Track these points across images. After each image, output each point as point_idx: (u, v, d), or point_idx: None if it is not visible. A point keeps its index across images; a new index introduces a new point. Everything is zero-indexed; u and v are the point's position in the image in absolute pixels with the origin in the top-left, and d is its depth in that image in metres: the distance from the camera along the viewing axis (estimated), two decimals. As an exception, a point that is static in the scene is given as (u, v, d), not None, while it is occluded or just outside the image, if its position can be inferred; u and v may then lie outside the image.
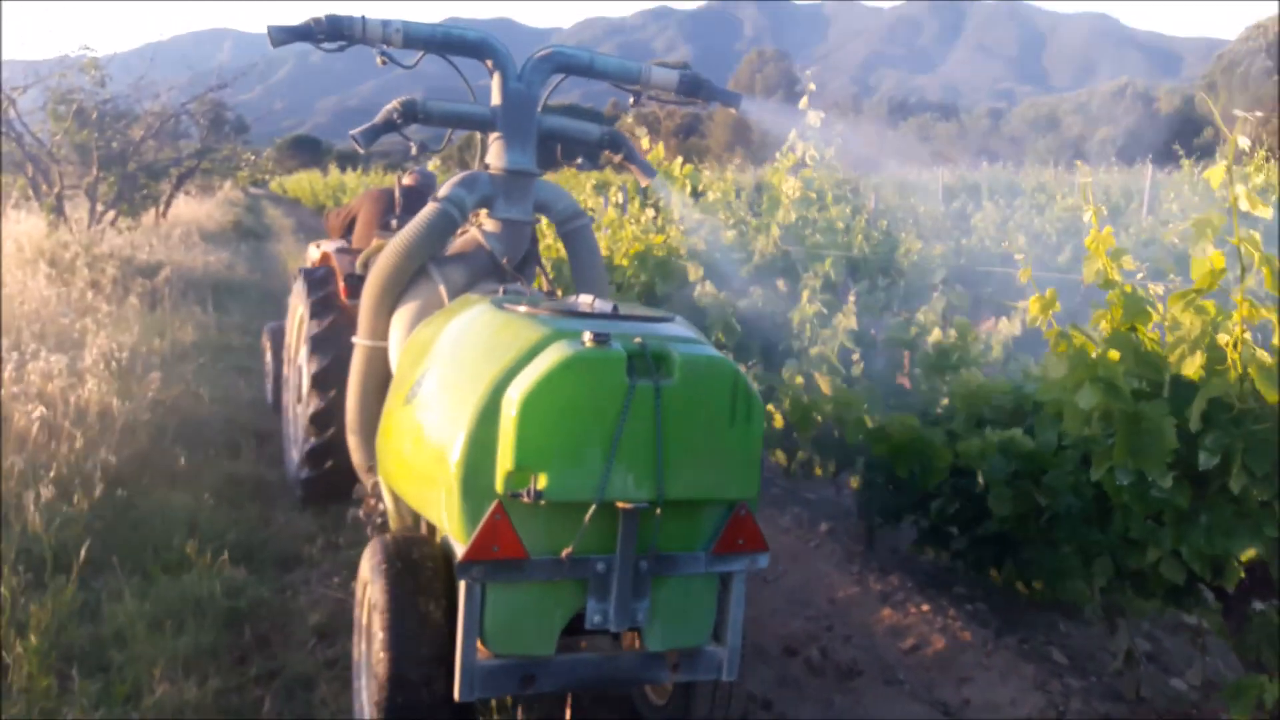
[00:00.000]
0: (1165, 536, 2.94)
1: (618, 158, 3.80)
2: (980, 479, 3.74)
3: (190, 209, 24.26)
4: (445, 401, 2.63)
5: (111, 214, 13.90)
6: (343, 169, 39.96)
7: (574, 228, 3.71)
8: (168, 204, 21.24)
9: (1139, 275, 3.25)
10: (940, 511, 4.17)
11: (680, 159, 6.98)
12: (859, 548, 4.94)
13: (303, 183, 41.84)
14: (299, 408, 5.04)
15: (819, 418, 4.58)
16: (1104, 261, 3.07)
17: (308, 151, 48.48)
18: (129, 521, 4.46)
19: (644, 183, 3.89)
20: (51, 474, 4.47)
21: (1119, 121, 69.10)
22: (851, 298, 4.83)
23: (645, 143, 6.85)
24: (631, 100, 3.80)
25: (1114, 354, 2.86)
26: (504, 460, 2.36)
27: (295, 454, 5.01)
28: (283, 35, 3.22)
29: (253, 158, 19.70)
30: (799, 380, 4.80)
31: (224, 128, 20.10)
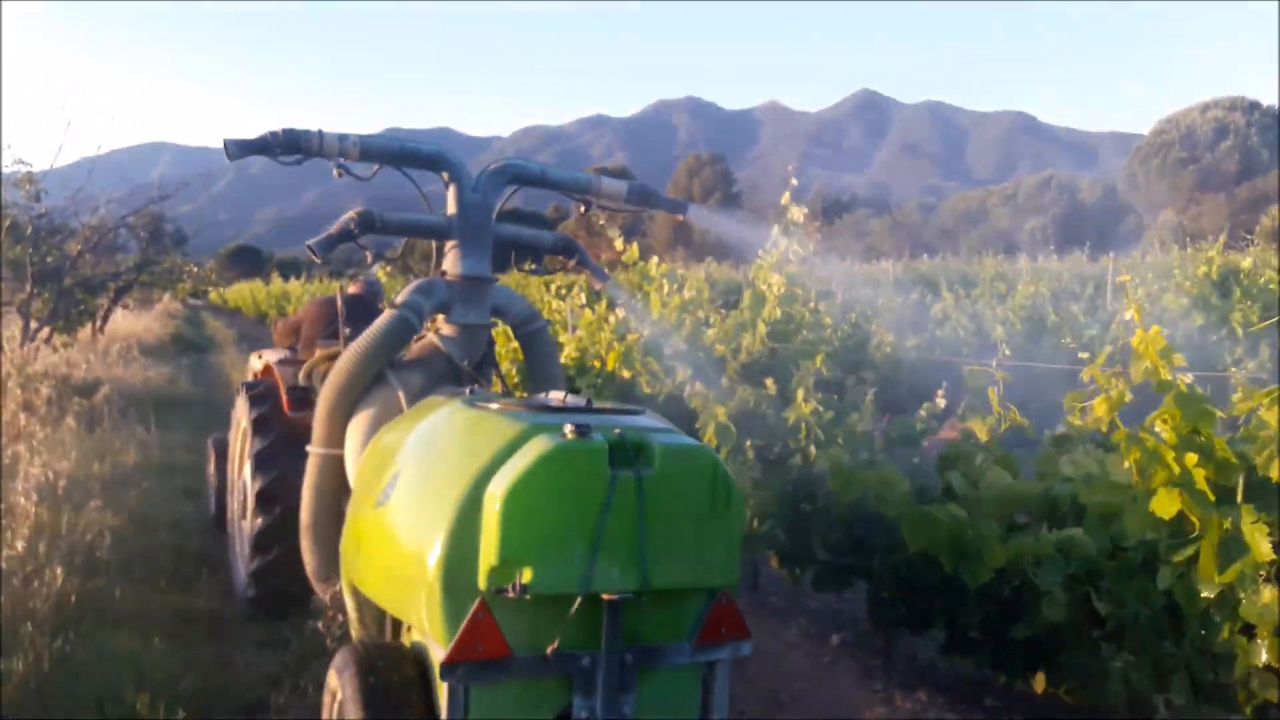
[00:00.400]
0: (1256, 650, 2.65)
1: (570, 263, 3.91)
2: (1023, 580, 3.44)
3: (128, 323, 23.63)
4: (422, 501, 2.60)
5: (46, 331, 13.34)
6: (285, 277, 39.49)
7: (531, 330, 3.78)
8: (105, 318, 20.63)
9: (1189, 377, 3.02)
10: (970, 617, 3.85)
11: (655, 258, 6.76)
12: (876, 661, 4.58)
13: (244, 292, 41.28)
14: (244, 524, 4.91)
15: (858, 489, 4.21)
16: (1154, 360, 2.85)
17: (248, 261, 48.03)
18: (68, 673, 3.96)
19: (597, 286, 3.98)
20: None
21: (1046, 211, 71.28)
22: (869, 397, 4.57)
23: (619, 244, 6.65)
24: (581, 209, 3.88)
25: (1191, 457, 2.61)
26: (487, 555, 2.34)
27: (242, 571, 4.86)
28: (239, 149, 3.23)
29: (195, 269, 19.23)
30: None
31: (163, 240, 19.67)
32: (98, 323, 19.99)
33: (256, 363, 5.55)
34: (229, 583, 5.34)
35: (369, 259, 3.73)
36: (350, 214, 3.44)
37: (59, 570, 4.75)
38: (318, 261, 3.65)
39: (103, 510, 5.80)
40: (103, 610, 4.64)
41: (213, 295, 45.87)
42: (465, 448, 2.56)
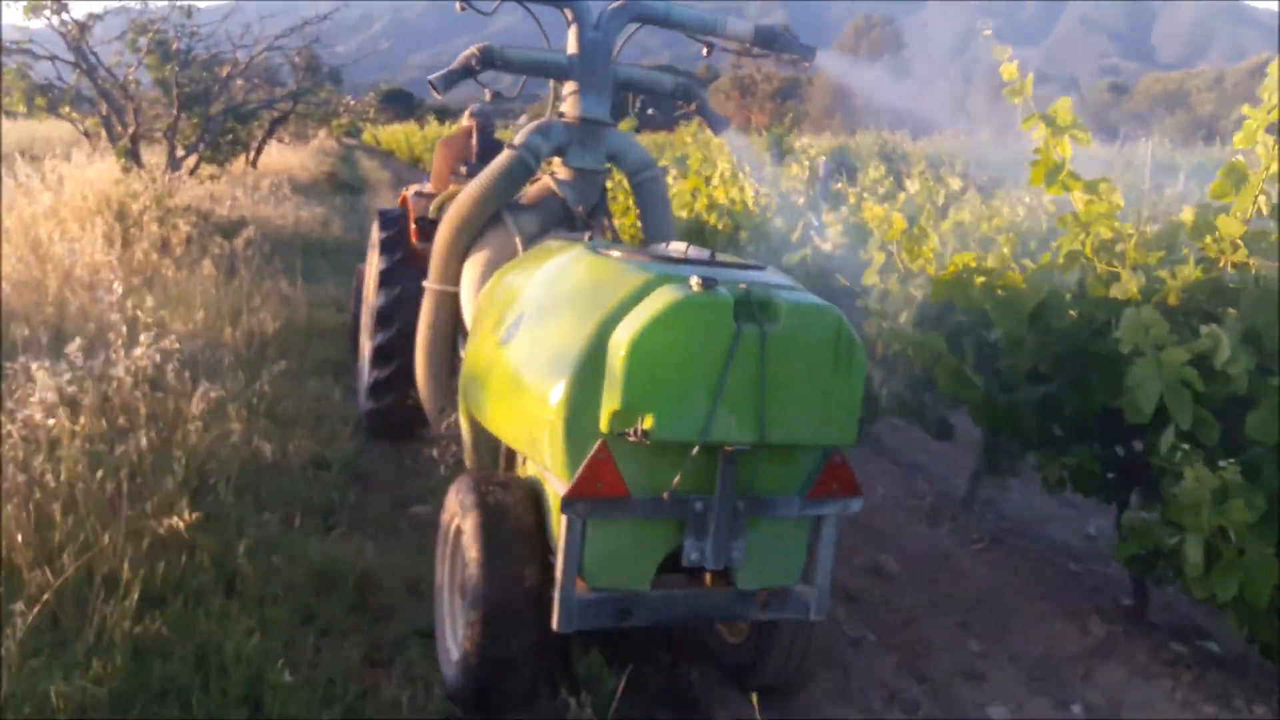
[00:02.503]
0: None
1: (691, 107, 3.87)
2: None
3: (282, 157, 22.73)
4: (547, 343, 2.64)
5: (192, 160, 12.21)
6: (441, 121, 38.24)
7: (645, 178, 3.74)
8: (258, 151, 19.70)
9: None
10: None
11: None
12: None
13: (397, 135, 40.29)
14: (367, 341, 4.99)
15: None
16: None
17: (401, 104, 47.07)
18: (157, 684, 2.59)
19: (716, 135, 3.96)
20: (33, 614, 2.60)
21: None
22: None
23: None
24: (705, 50, 3.83)
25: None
26: (610, 400, 2.38)
27: (364, 385, 4.97)
28: None
29: (351, 102, 17.97)
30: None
31: (320, 74, 18.39)
32: (250, 155, 19.06)
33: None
34: (382, 512, 4.18)
35: (487, 96, 3.74)
36: (472, 49, 3.45)
37: (150, 508, 3.37)
38: (438, 96, 3.60)
39: (222, 410, 4.41)
40: (207, 571, 3.25)
41: (366, 135, 45.16)
42: (590, 294, 2.60)
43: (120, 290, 5.06)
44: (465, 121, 5.15)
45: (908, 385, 4.69)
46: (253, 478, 4.20)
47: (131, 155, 10.98)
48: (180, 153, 11.86)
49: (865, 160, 13.42)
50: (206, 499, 3.80)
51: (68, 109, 12.54)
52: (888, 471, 5.62)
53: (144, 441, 3.74)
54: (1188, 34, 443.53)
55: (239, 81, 13.76)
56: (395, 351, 4.60)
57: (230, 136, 13.54)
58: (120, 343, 4.23)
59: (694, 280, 2.41)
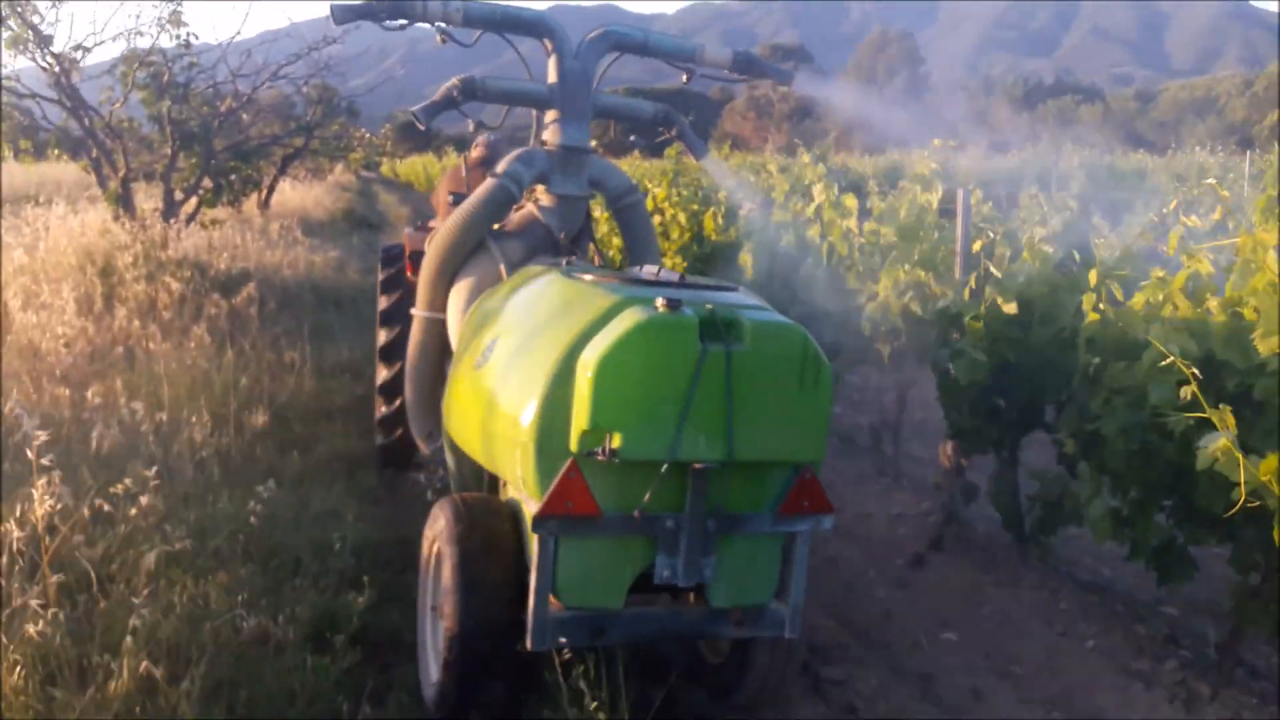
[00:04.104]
0: None
1: (672, 133, 3.93)
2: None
3: (297, 195, 21.65)
4: (519, 365, 2.74)
5: (192, 204, 11.06)
6: (459, 152, 37.29)
7: (628, 203, 3.83)
8: (270, 190, 18.60)
9: None
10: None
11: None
12: None
13: (416, 166, 39.39)
14: (376, 377, 5.05)
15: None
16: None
17: (419, 135, 46.30)
18: None
19: (697, 160, 4.11)
20: None
21: (1290, 105, 63.04)
22: None
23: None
24: (685, 78, 3.91)
25: None
26: (579, 420, 2.46)
27: (375, 420, 5.04)
28: (345, 14, 3.42)
29: (366, 134, 16.88)
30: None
31: (336, 108, 17.30)
32: (262, 194, 17.96)
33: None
34: None
35: (470, 127, 3.91)
36: (453, 81, 3.56)
37: None
38: (421, 127, 3.67)
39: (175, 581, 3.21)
40: None
41: (384, 168, 44.29)
42: (560, 317, 2.70)
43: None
44: (474, 153, 5.03)
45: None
46: (228, 668, 2.98)
47: (123, 201, 9.85)
48: (179, 196, 10.72)
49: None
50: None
51: (56, 152, 11.44)
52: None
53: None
54: (1200, 39, 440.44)
55: (244, 116, 12.64)
56: (401, 388, 4.43)
57: (235, 176, 12.38)
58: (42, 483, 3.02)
59: (659, 301, 2.49)
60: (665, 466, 2.49)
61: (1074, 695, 3.41)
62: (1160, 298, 3.36)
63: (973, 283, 4.14)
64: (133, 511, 3.44)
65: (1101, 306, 3.73)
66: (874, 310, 4.66)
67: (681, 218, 8.12)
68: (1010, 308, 4.00)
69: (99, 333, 6.75)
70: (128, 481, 3.48)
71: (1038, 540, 4.26)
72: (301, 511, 4.26)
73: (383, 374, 4.86)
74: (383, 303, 4.97)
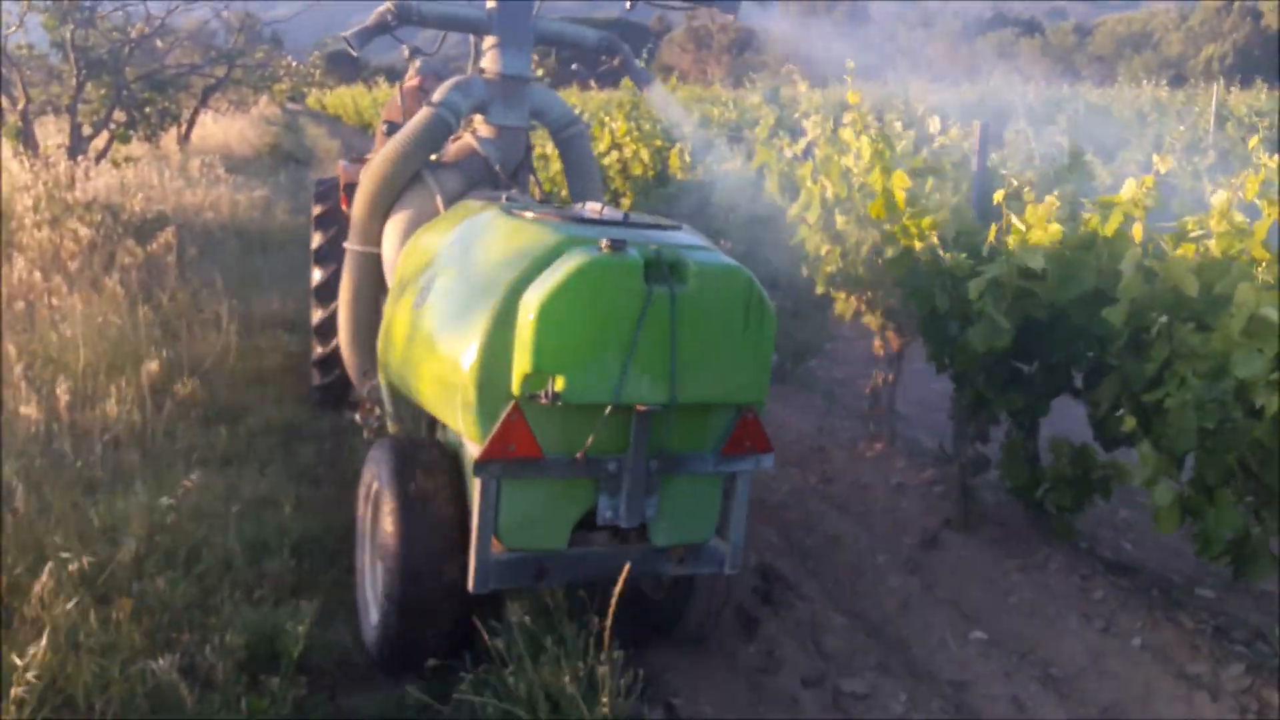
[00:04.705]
0: None
1: (614, 62, 3.89)
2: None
3: (219, 130, 20.44)
4: (459, 306, 2.69)
5: (102, 140, 10.14)
6: (391, 83, 35.73)
7: (570, 134, 3.78)
8: (190, 124, 17.46)
9: None
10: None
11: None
12: None
13: (345, 98, 37.69)
14: (310, 317, 4.93)
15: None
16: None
17: (347, 67, 44.57)
18: None
19: (640, 89, 4.14)
20: None
21: (1225, 39, 63.83)
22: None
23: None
24: (629, 4, 3.93)
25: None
26: (521, 363, 2.46)
27: (311, 362, 4.97)
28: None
29: (293, 63, 15.81)
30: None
31: (256, 36, 16.18)
32: (181, 129, 16.85)
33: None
34: None
35: (405, 53, 4.01)
36: (387, 5, 3.41)
37: None
38: (354, 54, 3.61)
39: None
40: None
41: (311, 100, 42.50)
42: (501, 256, 2.66)
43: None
44: (410, 81, 4.74)
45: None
46: (145, 715, 2.43)
47: (23, 137, 8.95)
48: (87, 131, 9.80)
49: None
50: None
51: (-53, 82, 10.38)
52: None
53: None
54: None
55: (159, 43, 11.65)
56: (336, 328, 4.25)
57: (150, 109, 11.42)
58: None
59: (603, 242, 2.46)
60: (609, 409, 2.49)
61: (1128, 706, 3.02)
62: (1236, 249, 2.90)
63: (991, 236, 3.62)
64: (13, 512, 2.83)
65: (1147, 262, 3.27)
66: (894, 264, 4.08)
67: (644, 154, 7.50)
68: (1038, 262, 3.51)
69: (-5, 286, 6.02)
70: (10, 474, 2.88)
71: (1062, 518, 3.84)
72: (231, 500, 3.67)
73: (318, 314, 4.74)
74: (316, 239, 4.83)
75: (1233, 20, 66.56)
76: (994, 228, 3.62)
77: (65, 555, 2.66)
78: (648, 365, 2.47)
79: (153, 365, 4.60)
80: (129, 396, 4.34)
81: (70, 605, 2.58)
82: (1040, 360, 3.74)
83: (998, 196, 3.82)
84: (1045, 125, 8.72)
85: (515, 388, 2.46)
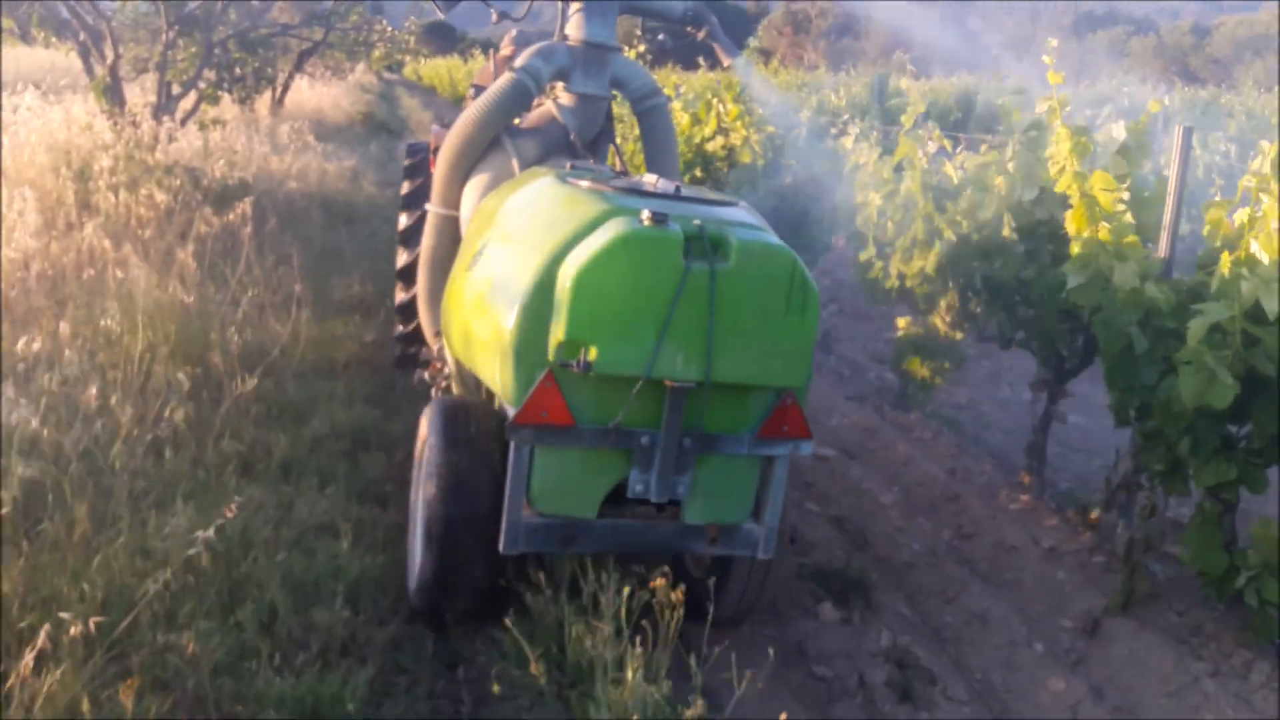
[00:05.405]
0: None
1: (700, 34, 3.80)
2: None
3: (314, 96, 20.23)
4: (504, 271, 2.72)
5: (190, 100, 9.83)
6: (486, 55, 35.42)
7: (650, 106, 3.71)
8: (284, 88, 17.25)
9: None
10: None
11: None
12: None
13: (439, 69, 37.59)
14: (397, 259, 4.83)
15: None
16: None
17: (444, 38, 44.55)
18: None
19: (725, 62, 3.94)
20: None
21: (1359, 46, 60.61)
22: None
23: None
24: None
25: None
26: (556, 331, 2.47)
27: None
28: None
29: (389, 29, 15.45)
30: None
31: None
32: (276, 93, 16.63)
33: None
34: None
35: (494, 18, 3.77)
36: None
37: None
38: (443, 16, 3.73)
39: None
40: None
41: (408, 70, 42.53)
42: (548, 223, 2.65)
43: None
44: (504, 50, 4.59)
45: None
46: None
47: (111, 93, 8.66)
48: (175, 90, 9.50)
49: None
50: None
51: (42, 34, 10.17)
52: None
53: None
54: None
55: (254, 1, 11.30)
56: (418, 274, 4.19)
57: (242, 70, 11.11)
58: None
59: (645, 214, 2.45)
60: (640, 383, 2.47)
61: None
62: None
63: (1226, 267, 2.95)
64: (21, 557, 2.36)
65: None
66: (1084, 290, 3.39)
67: (755, 140, 6.83)
68: (1273, 304, 2.83)
69: (63, 252, 5.66)
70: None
71: (1264, 613, 3.17)
72: (282, 526, 3.18)
73: (402, 258, 4.61)
74: (404, 187, 4.75)
75: (1367, 27, 63.16)
76: (1225, 257, 2.94)
77: (64, 616, 2.17)
78: (683, 341, 2.46)
79: (214, 355, 4.14)
80: (184, 389, 3.89)
81: (65, 676, 2.09)
82: (1260, 424, 3.06)
83: (1213, 217, 3.14)
84: (1205, 133, 7.90)
85: (550, 355, 2.48)
